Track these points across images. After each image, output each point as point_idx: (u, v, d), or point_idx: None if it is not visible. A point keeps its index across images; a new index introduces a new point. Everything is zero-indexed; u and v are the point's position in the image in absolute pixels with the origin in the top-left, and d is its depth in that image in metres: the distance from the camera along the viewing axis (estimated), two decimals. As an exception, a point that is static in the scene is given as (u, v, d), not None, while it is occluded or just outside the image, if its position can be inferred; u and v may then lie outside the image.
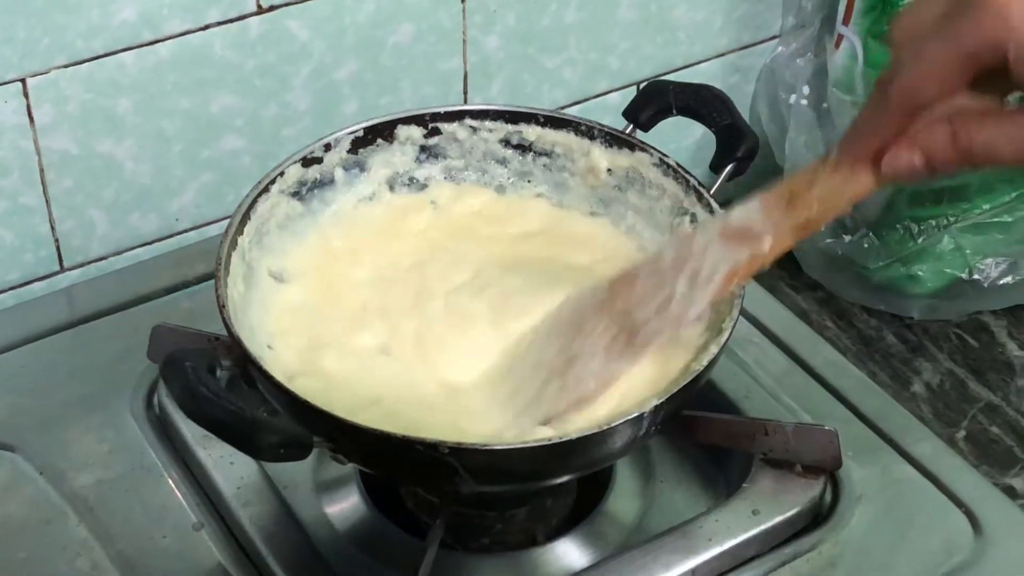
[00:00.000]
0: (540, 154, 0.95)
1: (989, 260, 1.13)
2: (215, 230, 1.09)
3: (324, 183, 0.92)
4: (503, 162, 0.96)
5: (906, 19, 0.68)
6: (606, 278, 0.83)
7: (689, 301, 0.78)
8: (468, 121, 0.95)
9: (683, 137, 1.20)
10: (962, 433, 1.05)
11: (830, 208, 0.74)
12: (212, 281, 0.83)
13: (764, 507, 0.87)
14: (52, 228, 1.04)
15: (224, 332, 0.81)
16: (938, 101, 0.66)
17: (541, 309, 0.86)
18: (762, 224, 0.75)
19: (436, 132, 0.95)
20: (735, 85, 1.26)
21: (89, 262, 1.07)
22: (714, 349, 0.80)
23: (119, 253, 1.08)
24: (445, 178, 0.96)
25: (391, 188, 0.95)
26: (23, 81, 0.97)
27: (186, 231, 1.09)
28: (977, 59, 0.64)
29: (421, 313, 0.87)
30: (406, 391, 0.83)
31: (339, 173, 0.93)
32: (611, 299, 0.82)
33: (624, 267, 0.84)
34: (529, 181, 0.96)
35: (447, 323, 0.87)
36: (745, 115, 1.06)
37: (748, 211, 0.76)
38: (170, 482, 0.90)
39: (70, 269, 1.06)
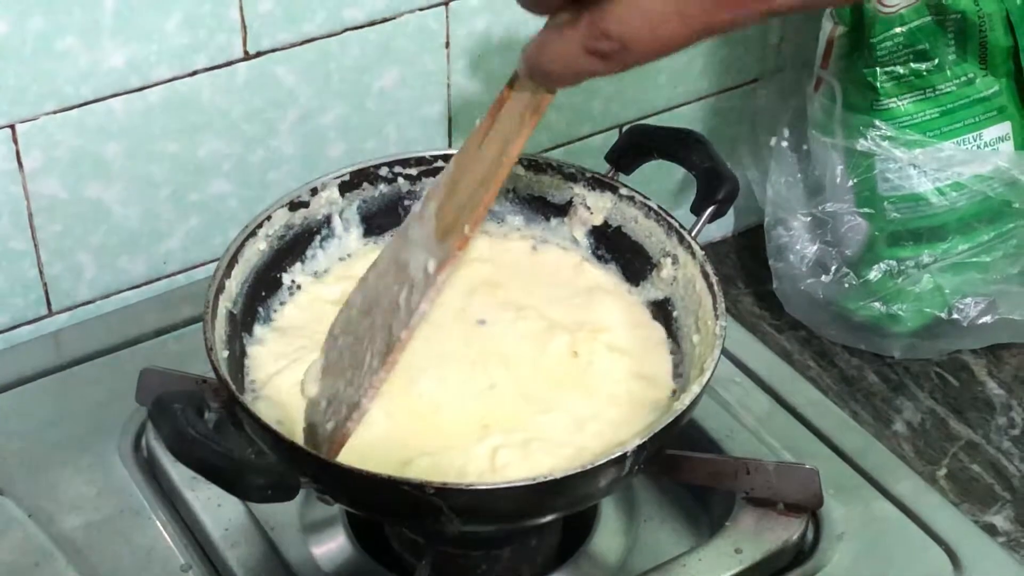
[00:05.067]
0: (523, 198, 0.97)
1: (968, 300, 1.14)
2: (203, 273, 1.10)
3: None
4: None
5: None
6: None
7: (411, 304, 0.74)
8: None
9: (664, 179, 1.21)
10: (943, 471, 1.06)
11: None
12: (199, 324, 0.84)
13: (747, 545, 0.88)
14: (40, 272, 1.04)
15: (212, 374, 0.82)
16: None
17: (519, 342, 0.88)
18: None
19: (422, 176, 0.96)
20: (716, 127, 1.28)
21: (77, 306, 1.07)
22: (696, 388, 0.81)
23: (107, 296, 1.08)
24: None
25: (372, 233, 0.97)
26: (12, 127, 0.98)
27: (174, 274, 1.10)
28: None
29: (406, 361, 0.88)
30: (392, 432, 0.84)
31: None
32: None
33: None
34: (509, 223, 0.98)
35: (430, 368, 0.87)
36: (726, 157, 1.07)
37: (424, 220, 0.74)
38: (158, 524, 0.91)
39: (58, 313, 1.07)
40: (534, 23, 1.11)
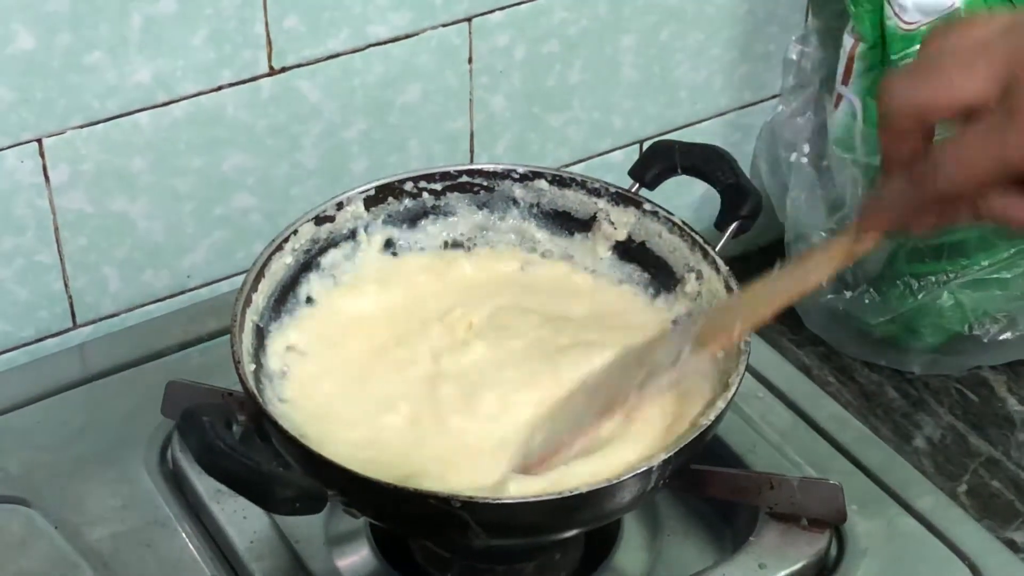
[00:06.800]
0: (547, 213, 0.97)
1: (989, 316, 1.15)
2: (226, 287, 1.10)
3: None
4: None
5: (938, 93, 0.68)
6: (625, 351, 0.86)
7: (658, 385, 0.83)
8: (478, 180, 0.97)
9: (686, 195, 1.22)
10: (963, 487, 1.06)
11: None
12: (223, 337, 0.85)
13: (770, 561, 0.88)
14: (66, 285, 1.05)
15: (237, 387, 0.83)
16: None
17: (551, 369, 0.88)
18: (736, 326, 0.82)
19: (446, 191, 0.96)
20: (736, 144, 1.28)
21: (102, 319, 1.08)
22: (721, 404, 0.81)
23: (131, 310, 1.09)
24: (452, 237, 0.98)
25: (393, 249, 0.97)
26: (39, 141, 0.98)
27: (198, 288, 1.10)
28: (1020, 171, 0.65)
29: (432, 382, 0.88)
30: (418, 450, 0.84)
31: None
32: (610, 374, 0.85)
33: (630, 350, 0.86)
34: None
35: (461, 393, 0.87)
36: (747, 173, 1.07)
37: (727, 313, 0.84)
38: (184, 536, 0.91)
39: (83, 326, 1.07)
40: (555, 40, 1.13)
